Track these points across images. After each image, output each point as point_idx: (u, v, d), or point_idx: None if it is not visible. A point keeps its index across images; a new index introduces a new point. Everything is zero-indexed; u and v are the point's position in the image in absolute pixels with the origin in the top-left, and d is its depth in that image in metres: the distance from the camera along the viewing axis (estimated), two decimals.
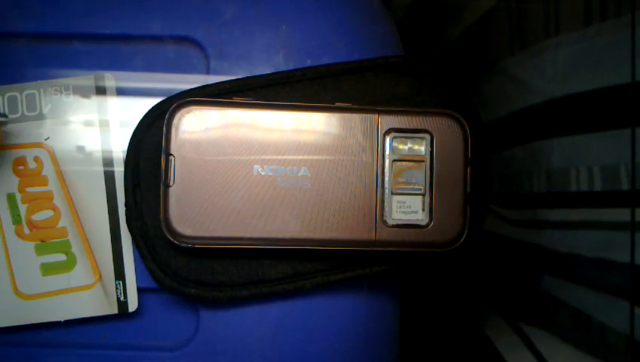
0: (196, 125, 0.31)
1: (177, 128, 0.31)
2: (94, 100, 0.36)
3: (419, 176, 0.33)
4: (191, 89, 0.34)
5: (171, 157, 0.31)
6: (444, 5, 0.56)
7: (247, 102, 0.31)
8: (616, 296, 0.38)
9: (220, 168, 0.31)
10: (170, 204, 0.32)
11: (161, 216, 0.32)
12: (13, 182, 0.35)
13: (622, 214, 0.38)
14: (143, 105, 0.36)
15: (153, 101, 0.35)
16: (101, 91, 0.36)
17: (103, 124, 0.36)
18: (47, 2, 0.36)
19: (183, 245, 0.32)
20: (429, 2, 0.58)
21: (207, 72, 0.36)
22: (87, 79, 0.36)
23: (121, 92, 0.36)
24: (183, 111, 0.31)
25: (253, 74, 0.35)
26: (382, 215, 0.32)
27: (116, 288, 0.36)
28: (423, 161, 0.33)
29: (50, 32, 0.36)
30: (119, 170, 0.35)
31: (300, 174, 0.31)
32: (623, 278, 0.38)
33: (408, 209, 0.33)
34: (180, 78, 0.36)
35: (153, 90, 0.36)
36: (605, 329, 0.39)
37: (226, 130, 0.31)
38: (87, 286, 0.36)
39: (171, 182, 0.31)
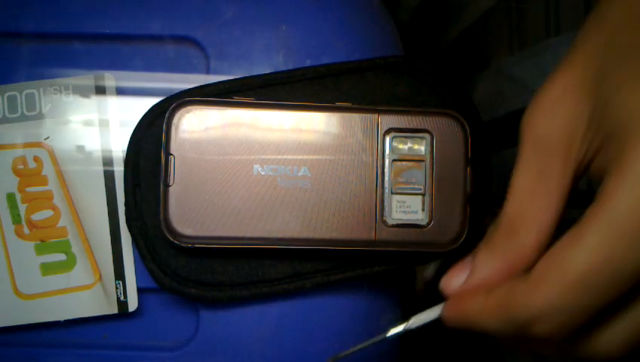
0: (196, 125, 0.31)
1: (177, 128, 0.31)
2: (94, 100, 0.36)
3: (419, 175, 0.33)
4: (190, 89, 0.34)
5: (171, 157, 0.31)
6: (449, 6, 0.56)
7: (247, 102, 0.31)
8: None
9: (219, 168, 0.31)
10: (170, 203, 0.31)
11: (161, 215, 0.32)
12: (12, 182, 0.35)
13: None
14: (143, 105, 0.36)
15: (153, 101, 0.35)
16: (101, 91, 0.36)
17: (103, 124, 0.36)
18: (47, 2, 0.36)
19: (182, 245, 0.32)
20: (436, 3, 0.58)
21: (207, 72, 0.36)
22: (87, 79, 0.36)
23: (121, 92, 0.36)
24: (182, 110, 0.31)
25: (253, 74, 0.35)
26: (382, 215, 0.32)
27: (116, 288, 0.36)
28: (423, 161, 0.33)
29: (50, 32, 0.36)
30: (119, 169, 0.35)
31: (299, 174, 0.31)
32: None
33: (408, 209, 0.32)
34: (180, 78, 0.36)
35: (153, 90, 0.36)
36: None
37: (226, 129, 0.31)
38: (87, 286, 0.36)
39: (171, 182, 0.31)
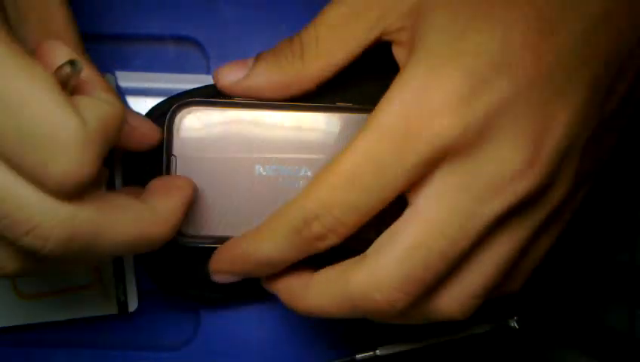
0: (197, 125, 0.31)
1: (179, 129, 0.31)
2: None
3: None
4: (191, 89, 0.34)
5: (173, 158, 0.31)
6: None
7: (248, 102, 0.31)
8: (616, 296, 0.38)
9: (221, 168, 0.31)
10: None
11: None
12: None
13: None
14: (143, 105, 0.36)
15: (153, 101, 0.35)
16: None
17: None
18: None
19: (184, 244, 0.31)
20: None
21: (208, 72, 0.36)
22: None
23: (121, 92, 0.36)
24: (183, 111, 0.31)
25: None
26: (382, 215, 0.32)
27: (116, 288, 0.36)
28: None
29: None
30: (119, 170, 0.35)
31: (300, 174, 0.31)
32: (623, 278, 0.38)
33: None
34: (180, 78, 0.36)
35: (153, 90, 0.36)
36: (605, 329, 0.39)
37: (227, 130, 0.31)
38: (87, 286, 0.36)
39: None
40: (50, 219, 0.22)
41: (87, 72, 0.25)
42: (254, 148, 0.31)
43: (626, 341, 0.37)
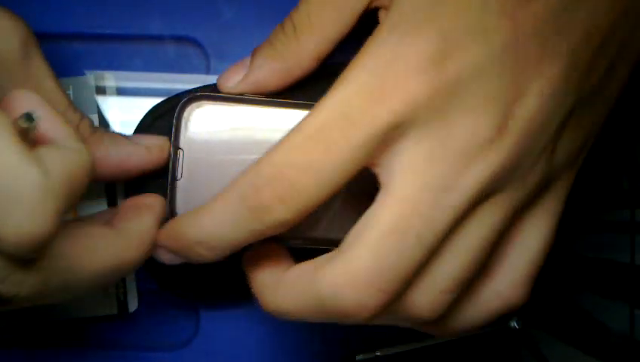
0: (206, 120, 0.31)
1: (187, 122, 0.31)
2: (94, 100, 0.36)
3: None
4: (191, 89, 0.34)
5: (180, 151, 0.31)
6: None
7: (258, 100, 0.31)
8: (616, 296, 0.38)
9: (227, 164, 0.31)
10: (177, 197, 0.31)
11: (168, 208, 0.31)
12: None
13: (622, 214, 0.38)
14: (143, 105, 0.36)
15: (153, 101, 0.35)
16: (101, 91, 0.36)
17: (103, 124, 0.36)
18: (46, 2, 0.36)
19: None
20: None
21: (207, 72, 0.36)
22: (87, 79, 0.36)
23: (121, 92, 0.36)
24: (193, 105, 0.31)
25: None
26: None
27: (116, 288, 0.36)
28: None
29: (50, 32, 0.36)
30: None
31: None
32: (623, 278, 0.38)
33: None
34: (180, 78, 0.36)
35: (153, 90, 0.36)
36: (605, 330, 0.39)
37: (236, 126, 0.31)
38: None
39: (179, 176, 0.31)
40: (16, 270, 0.20)
41: (55, 120, 0.23)
42: (261, 145, 0.31)
43: (626, 341, 0.37)
